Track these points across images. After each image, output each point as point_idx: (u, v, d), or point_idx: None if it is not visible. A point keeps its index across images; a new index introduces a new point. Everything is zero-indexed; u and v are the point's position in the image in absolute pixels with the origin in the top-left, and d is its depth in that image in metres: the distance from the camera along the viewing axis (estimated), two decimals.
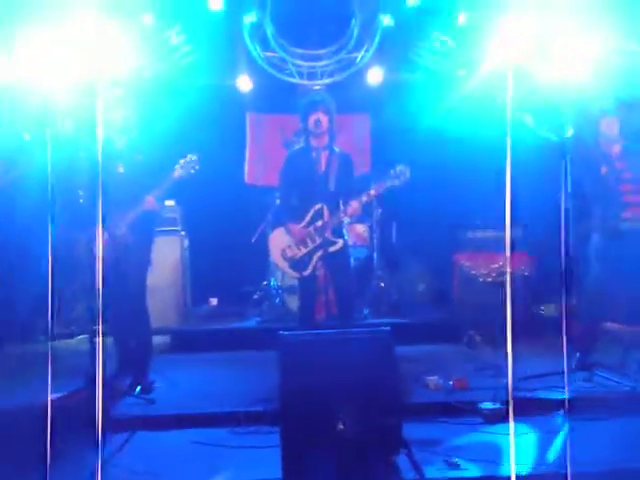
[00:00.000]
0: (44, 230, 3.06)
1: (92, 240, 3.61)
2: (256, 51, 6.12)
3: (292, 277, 4.45)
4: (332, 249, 3.96)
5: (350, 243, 5.49)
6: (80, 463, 2.63)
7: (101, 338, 2.74)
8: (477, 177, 5.84)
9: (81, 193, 3.80)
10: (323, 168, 4.04)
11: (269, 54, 6.20)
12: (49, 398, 2.59)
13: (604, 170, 4.06)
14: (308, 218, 3.99)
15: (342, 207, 3.93)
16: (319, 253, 3.97)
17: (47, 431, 2.52)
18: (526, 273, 5.58)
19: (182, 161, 3.86)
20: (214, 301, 6.63)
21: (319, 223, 3.95)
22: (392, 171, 3.89)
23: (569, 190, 3.92)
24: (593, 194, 4.10)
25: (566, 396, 3.26)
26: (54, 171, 3.36)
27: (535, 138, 4.26)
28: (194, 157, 3.87)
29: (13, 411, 3.11)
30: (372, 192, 3.94)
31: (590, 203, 4.14)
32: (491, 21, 4.90)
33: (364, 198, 3.92)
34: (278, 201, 4.67)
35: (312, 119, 3.96)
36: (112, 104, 3.81)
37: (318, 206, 3.96)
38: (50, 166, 3.26)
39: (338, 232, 4.01)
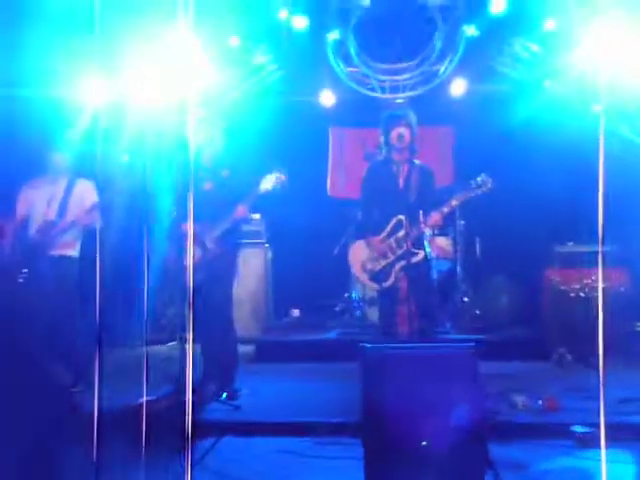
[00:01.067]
0: (140, 244, 3.25)
1: (182, 252, 3.78)
2: (339, 67, 6.22)
3: (372, 289, 4.44)
4: (413, 260, 3.93)
5: (433, 256, 5.44)
6: (168, 466, 2.74)
7: (191, 344, 2.85)
8: (568, 189, 5.61)
9: (174, 209, 3.99)
10: (404, 181, 4.04)
11: (352, 69, 6.28)
12: (144, 400, 2.72)
13: None
14: (389, 229, 3.99)
15: (422, 218, 3.90)
16: (400, 264, 3.95)
17: (141, 433, 2.64)
18: (622, 289, 5.27)
19: (269, 176, 3.99)
20: (296, 312, 6.74)
21: (400, 234, 3.94)
22: (474, 181, 3.82)
23: None
24: None
25: None
26: (151, 186, 3.57)
27: (631, 147, 4.04)
28: (282, 175, 3.98)
29: (109, 413, 3.28)
30: (453, 202, 3.88)
31: None
32: (579, 27, 4.74)
33: (445, 209, 3.87)
34: (360, 213, 4.70)
35: (395, 133, 3.97)
36: (200, 123, 4.00)
37: (399, 217, 3.96)
38: (147, 183, 3.47)
39: (419, 243, 3.98)
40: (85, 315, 4.04)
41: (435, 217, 3.86)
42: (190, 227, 3.21)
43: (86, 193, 4.26)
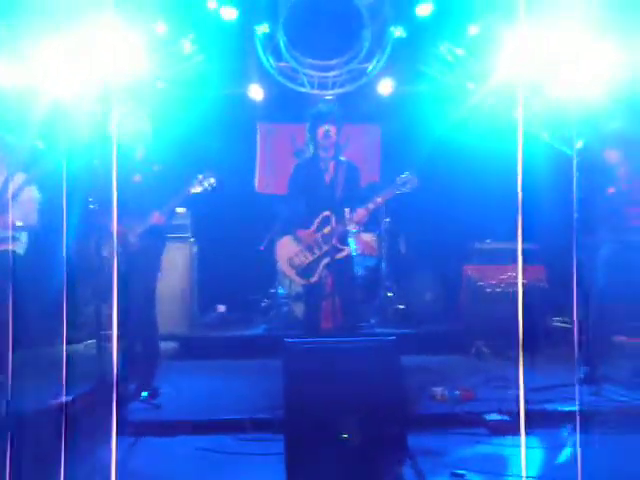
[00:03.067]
0: (58, 236, 3.10)
1: (102, 246, 3.65)
2: (268, 61, 6.18)
3: (299, 284, 4.45)
4: (338, 256, 3.98)
5: (358, 252, 5.53)
6: (89, 465, 2.64)
7: (116, 342, 2.76)
8: (488, 188, 5.84)
9: (91, 199, 3.84)
10: (330, 177, 4.08)
11: (281, 64, 6.26)
12: (64, 400, 2.61)
13: (611, 190, 4.06)
14: (315, 226, 4.02)
15: (348, 215, 3.95)
16: (325, 260, 3.99)
17: (61, 432, 2.54)
18: (537, 284, 5.55)
19: (200, 177, 3.91)
20: (222, 308, 6.65)
21: (326, 230, 3.97)
22: (398, 179, 3.90)
23: (579, 204, 3.92)
24: (600, 212, 4.10)
25: (577, 409, 3.25)
26: (68, 178, 3.42)
27: (549, 151, 4.26)
28: (212, 179, 3.91)
29: (29, 413, 3.13)
30: (379, 199, 3.95)
31: (597, 220, 4.13)
32: (503, 33, 4.93)
33: (370, 205, 3.94)
34: (286, 210, 4.69)
35: (321, 131, 4.00)
36: (126, 113, 3.87)
37: (325, 214, 3.99)
38: (65, 174, 3.31)
39: (344, 240, 4.03)
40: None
41: (360, 213, 3.92)
42: (114, 221, 3.10)
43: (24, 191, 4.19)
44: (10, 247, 4.25)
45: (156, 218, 3.89)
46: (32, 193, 4.55)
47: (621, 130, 4.06)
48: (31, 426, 2.73)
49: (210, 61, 5.83)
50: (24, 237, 4.43)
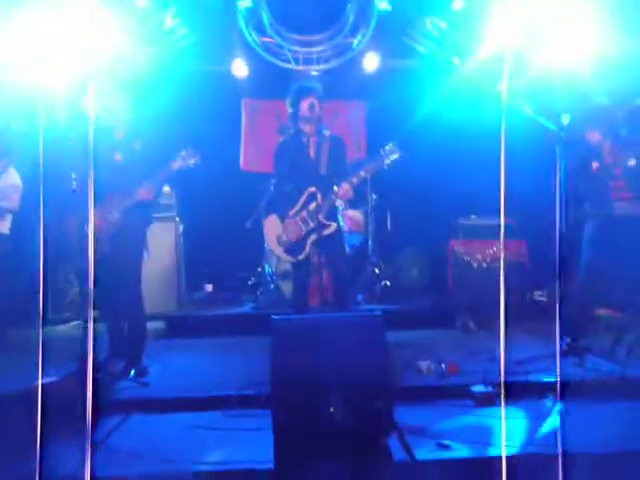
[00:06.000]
0: (36, 216, 3.06)
1: (85, 224, 3.62)
2: (251, 36, 6.08)
3: (285, 262, 4.44)
4: (325, 232, 3.97)
5: (345, 229, 5.52)
6: (73, 446, 2.64)
7: (92, 323, 2.75)
8: (473, 164, 5.85)
9: (74, 176, 3.79)
10: (315, 153, 4.04)
11: (265, 39, 6.16)
12: (39, 383, 2.60)
13: (595, 165, 4.07)
14: (301, 202, 4.00)
15: (334, 190, 3.92)
16: (313, 237, 3.97)
17: (38, 415, 2.54)
18: (521, 259, 5.61)
19: (183, 152, 3.86)
20: (209, 287, 6.64)
21: (312, 206, 3.95)
22: (382, 151, 3.87)
23: (563, 179, 3.94)
24: (585, 187, 4.12)
25: (558, 379, 3.30)
26: (46, 157, 3.36)
27: (532, 126, 4.25)
28: (196, 155, 3.87)
29: (7, 396, 3.13)
30: (362, 173, 3.92)
31: (582, 194, 4.16)
32: (488, 6, 4.89)
33: (354, 179, 3.91)
34: (272, 187, 4.66)
35: (304, 104, 3.95)
36: (106, 90, 3.80)
37: (311, 189, 3.96)
38: (41, 152, 3.25)
39: (331, 215, 4.02)
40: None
41: (345, 188, 3.89)
42: (90, 199, 3.06)
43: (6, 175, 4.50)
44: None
45: (143, 194, 3.84)
46: (13, 175, 4.53)
47: (606, 105, 4.07)
48: (10, 408, 2.73)
49: (193, 35, 5.73)
50: (9, 218, 4.49)
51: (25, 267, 4.30)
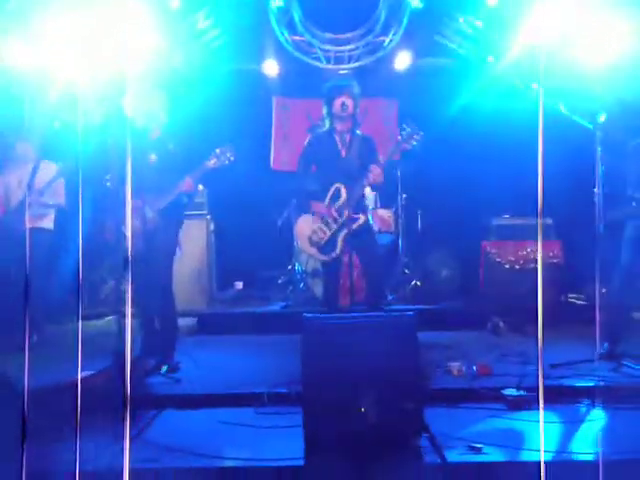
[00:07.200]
0: (75, 215, 3.13)
1: (121, 223, 3.69)
2: (283, 35, 6.10)
3: (316, 261, 4.44)
4: (354, 226, 3.96)
5: (375, 229, 5.50)
6: (109, 440, 2.69)
7: (130, 319, 2.79)
8: (505, 164, 5.77)
9: (108, 177, 3.88)
10: (347, 150, 4.04)
11: (296, 38, 6.18)
12: (79, 377, 2.66)
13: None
14: (328, 199, 3.99)
15: (366, 176, 3.89)
16: (343, 233, 3.97)
17: (77, 408, 2.59)
18: (555, 261, 5.50)
19: (218, 150, 3.91)
20: (239, 285, 6.70)
21: (339, 202, 3.95)
22: (403, 132, 3.87)
23: (602, 178, 3.85)
24: (623, 189, 4.02)
25: (595, 384, 3.24)
26: (84, 156, 3.44)
27: (568, 125, 4.17)
28: (230, 153, 3.92)
29: (47, 390, 3.19)
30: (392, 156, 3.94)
31: (624, 192, 4.05)
32: (522, 3, 4.81)
33: (382, 159, 3.91)
34: (303, 184, 4.66)
35: (338, 102, 3.96)
36: (141, 92, 3.87)
37: (337, 185, 3.96)
38: (80, 152, 3.33)
39: (359, 209, 4.01)
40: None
41: (375, 171, 3.87)
42: (128, 198, 3.11)
43: (49, 173, 4.69)
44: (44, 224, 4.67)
45: (187, 185, 3.92)
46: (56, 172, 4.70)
47: None
48: (49, 402, 2.79)
49: (225, 35, 5.78)
50: (52, 213, 4.74)
51: (63, 263, 4.42)
